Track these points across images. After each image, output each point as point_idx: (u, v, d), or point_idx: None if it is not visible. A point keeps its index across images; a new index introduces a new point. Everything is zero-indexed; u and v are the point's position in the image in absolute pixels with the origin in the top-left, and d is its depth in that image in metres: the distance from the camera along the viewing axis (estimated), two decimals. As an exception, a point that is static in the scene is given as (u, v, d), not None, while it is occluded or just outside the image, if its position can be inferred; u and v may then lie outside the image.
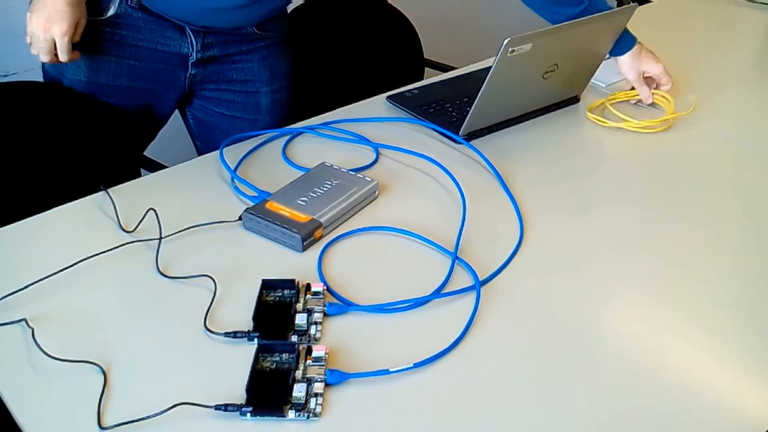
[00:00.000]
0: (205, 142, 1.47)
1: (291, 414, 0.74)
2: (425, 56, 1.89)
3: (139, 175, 1.13)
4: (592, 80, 1.39)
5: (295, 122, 1.29)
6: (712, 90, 1.44)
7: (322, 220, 0.99)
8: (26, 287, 0.89)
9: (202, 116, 1.43)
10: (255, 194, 1.07)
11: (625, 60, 1.34)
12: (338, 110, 1.33)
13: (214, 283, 0.91)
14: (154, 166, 1.34)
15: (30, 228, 1.02)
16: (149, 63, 1.28)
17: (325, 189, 1.05)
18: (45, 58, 1.14)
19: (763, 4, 1.86)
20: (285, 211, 1.00)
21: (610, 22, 1.25)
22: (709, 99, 1.40)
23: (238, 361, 0.80)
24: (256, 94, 1.38)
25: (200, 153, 1.48)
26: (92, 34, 1.21)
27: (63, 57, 1.13)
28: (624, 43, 1.32)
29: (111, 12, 1.21)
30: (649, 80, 1.37)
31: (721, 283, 0.94)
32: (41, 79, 1.33)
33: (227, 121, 1.41)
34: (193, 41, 1.26)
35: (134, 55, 1.27)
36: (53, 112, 1.29)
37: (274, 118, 1.42)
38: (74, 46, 1.15)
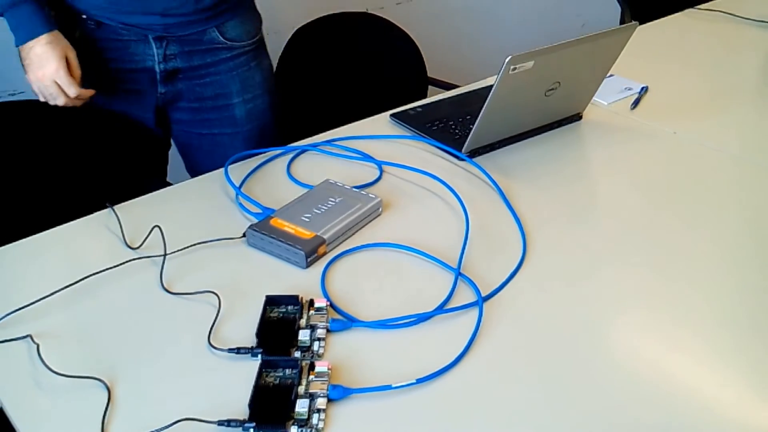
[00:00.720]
0: (195, 165, 1.48)
1: (294, 430, 0.74)
2: (429, 74, 1.91)
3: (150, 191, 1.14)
4: (594, 98, 1.40)
5: (299, 140, 1.30)
6: (715, 107, 1.44)
7: (325, 237, 0.99)
8: (31, 304, 0.90)
9: (184, 140, 1.45)
10: (259, 211, 1.07)
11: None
12: (342, 128, 1.34)
13: (219, 299, 0.91)
14: (160, 184, 1.35)
15: (36, 245, 1.03)
16: (119, 85, 1.31)
17: (329, 206, 1.06)
18: (60, 101, 1.16)
19: (764, 22, 1.87)
20: (289, 227, 1.01)
21: (612, 40, 1.26)
22: (713, 116, 1.40)
23: (242, 376, 0.80)
24: (229, 107, 1.39)
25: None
26: None
27: (70, 92, 1.16)
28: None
29: (76, 37, 1.25)
30: None
31: (723, 296, 0.94)
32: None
33: (208, 140, 1.42)
34: (156, 52, 1.28)
35: (102, 79, 1.30)
36: (60, 130, 1.31)
37: (252, 126, 1.44)
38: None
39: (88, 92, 1.18)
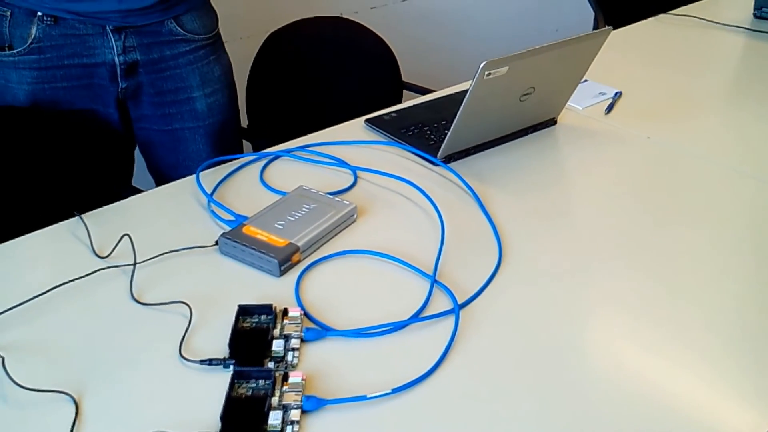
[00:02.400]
0: (157, 162, 1.48)
1: (267, 442, 0.72)
2: (403, 79, 1.90)
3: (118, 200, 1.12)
4: (568, 103, 1.40)
5: (272, 146, 1.28)
6: (688, 112, 1.45)
7: (299, 244, 0.98)
8: (-3, 315, 0.87)
9: (146, 137, 1.44)
10: (232, 218, 1.06)
11: None
12: (316, 133, 1.32)
13: (190, 309, 0.89)
14: (130, 191, 1.33)
15: (2, 254, 1.00)
16: (81, 81, 1.31)
17: (302, 213, 1.04)
18: None
19: (736, 27, 1.88)
20: (262, 235, 0.99)
21: (586, 45, 1.26)
22: (686, 120, 1.41)
23: (214, 388, 0.78)
24: (189, 100, 1.40)
25: (157, 179, 1.49)
26: (21, 66, 1.25)
27: None
28: None
29: (33, 36, 1.24)
30: None
31: (704, 298, 0.94)
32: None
33: (169, 136, 1.43)
34: (114, 44, 1.28)
35: (65, 77, 1.30)
36: (23, 135, 1.28)
37: (213, 120, 1.44)
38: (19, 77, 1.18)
39: None
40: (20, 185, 1.26)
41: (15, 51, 1.26)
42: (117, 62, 1.30)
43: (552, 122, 1.38)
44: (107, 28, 1.27)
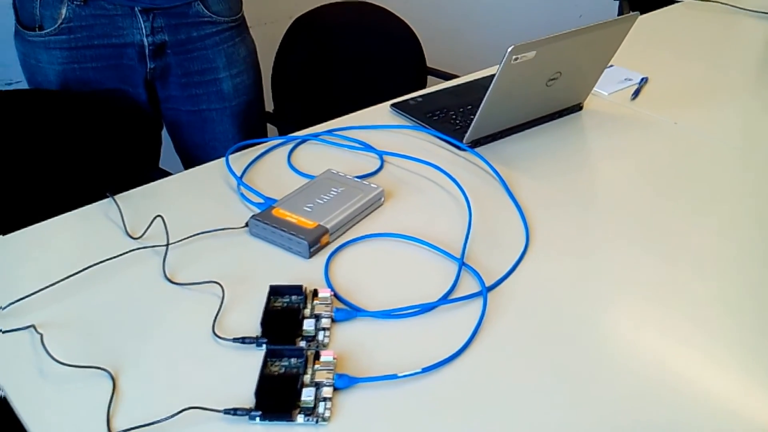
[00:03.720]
0: (184, 143, 1.50)
1: (300, 418, 0.74)
2: (428, 65, 1.90)
3: (149, 181, 1.14)
4: (594, 89, 1.39)
5: (298, 130, 1.29)
6: (715, 98, 1.44)
7: (328, 227, 0.99)
8: (34, 293, 0.89)
9: (173, 118, 1.47)
10: (261, 201, 1.07)
11: None
12: (342, 118, 1.33)
13: (222, 289, 0.91)
14: (160, 174, 1.34)
15: (37, 235, 1.02)
16: (109, 61, 1.33)
17: (331, 196, 1.05)
18: None
19: (763, 13, 1.87)
20: (291, 217, 1.00)
21: (613, 31, 1.26)
22: (713, 106, 1.40)
23: (247, 366, 0.80)
24: (215, 81, 1.42)
25: (183, 159, 1.51)
26: (51, 46, 1.25)
27: None
28: None
29: (63, 17, 1.26)
30: None
31: (727, 287, 0.94)
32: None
33: (196, 116, 1.45)
34: (143, 25, 1.29)
35: (94, 57, 1.32)
36: (56, 120, 1.30)
37: (239, 101, 1.46)
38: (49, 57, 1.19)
39: None
40: (49, 166, 1.29)
41: (45, 31, 1.28)
42: (146, 43, 1.32)
43: (578, 108, 1.38)
44: (135, 9, 1.29)
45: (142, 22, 1.30)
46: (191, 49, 1.37)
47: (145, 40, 1.31)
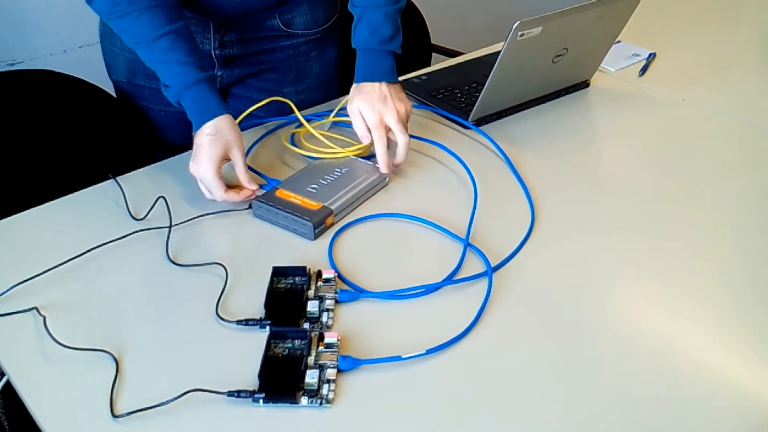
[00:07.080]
0: None
1: (304, 400, 0.73)
2: (432, 41, 1.88)
3: (152, 162, 1.13)
4: (601, 65, 1.38)
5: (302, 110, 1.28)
6: (723, 74, 1.42)
7: (333, 207, 0.98)
8: (37, 276, 0.89)
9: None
10: (264, 182, 1.06)
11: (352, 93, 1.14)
12: (346, 97, 1.31)
13: (226, 270, 0.91)
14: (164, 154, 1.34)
15: (40, 217, 1.02)
16: None
17: (335, 176, 1.05)
18: (217, 196, 1.02)
19: (774, -14, 1.84)
20: (296, 198, 1.00)
21: (620, 6, 1.24)
22: (721, 82, 1.38)
23: (250, 348, 0.80)
24: (278, 93, 1.32)
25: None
26: None
27: (216, 195, 1.01)
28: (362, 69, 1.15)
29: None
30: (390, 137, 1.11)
31: (733, 262, 0.93)
32: (46, 68, 1.33)
33: (254, 123, 1.38)
34: (213, 37, 1.24)
35: None
36: (60, 101, 1.29)
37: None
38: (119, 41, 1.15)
39: (242, 195, 1.02)
40: (52, 147, 1.28)
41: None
42: (213, 55, 1.27)
43: (585, 84, 1.37)
44: (210, 22, 1.23)
45: (212, 33, 1.24)
46: (262, 60, 1.30)
47: (212, 52, 1.27)
